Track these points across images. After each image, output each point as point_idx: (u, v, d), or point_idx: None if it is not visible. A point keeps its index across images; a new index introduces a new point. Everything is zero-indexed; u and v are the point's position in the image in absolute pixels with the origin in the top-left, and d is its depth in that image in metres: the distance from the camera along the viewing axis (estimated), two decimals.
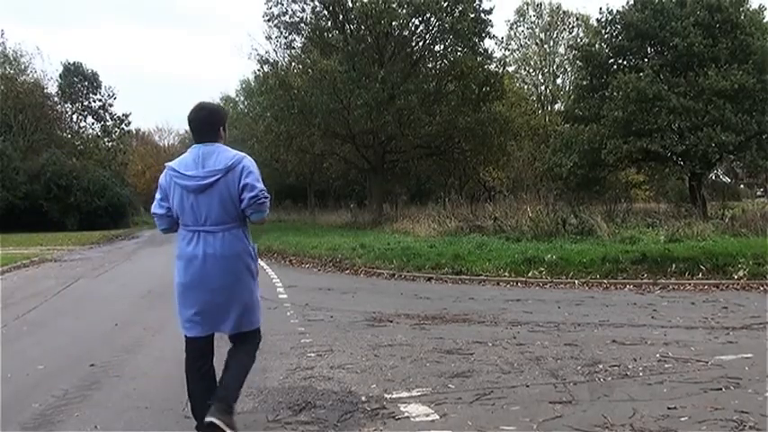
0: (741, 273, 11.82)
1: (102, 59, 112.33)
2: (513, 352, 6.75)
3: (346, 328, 8.30)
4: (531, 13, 46.67)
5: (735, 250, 12.84)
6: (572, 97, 33.78)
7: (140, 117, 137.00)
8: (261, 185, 4.18)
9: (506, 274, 13.12)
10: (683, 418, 4.58)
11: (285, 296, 11.61)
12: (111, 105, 55.70)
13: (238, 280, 4.24)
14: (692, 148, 24.90)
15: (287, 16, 34.19)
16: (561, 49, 45.78)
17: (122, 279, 15.35)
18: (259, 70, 36.00)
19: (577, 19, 45.32)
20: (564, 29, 46.23)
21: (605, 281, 12.06)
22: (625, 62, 28.63)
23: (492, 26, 33.85)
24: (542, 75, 47.07)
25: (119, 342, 7.72)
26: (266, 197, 4.20)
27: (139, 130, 75.52)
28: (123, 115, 56.52)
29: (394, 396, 5.26)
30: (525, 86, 47.13)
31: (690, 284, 11.61)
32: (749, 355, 6.40)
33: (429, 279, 13.68)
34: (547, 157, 30.11)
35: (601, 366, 6.07)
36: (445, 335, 6.79)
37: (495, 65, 36.36)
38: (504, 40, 45.62)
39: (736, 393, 5.18)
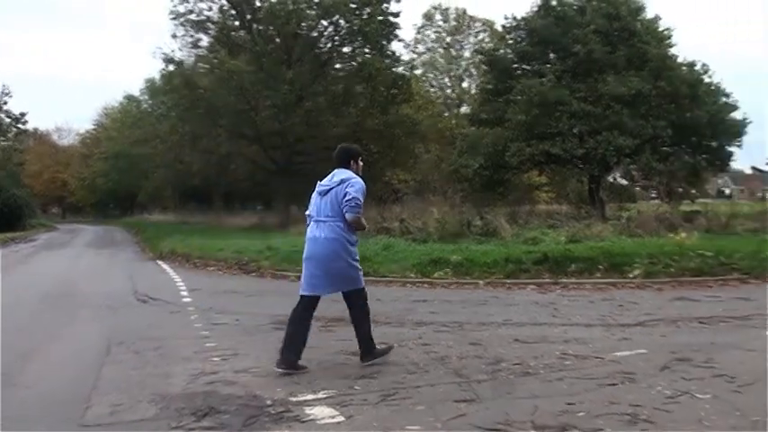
0: (636, 272, 12.27)
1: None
2: (419, 352, 6.82)
3: (252, 332, 8.21)
4: (439, 17, 47.36)
5: (631, 250, 13.34)
6: (477, 101, 34.39)
7: (38, 117, 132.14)
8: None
9: (413, 275, 13.20)
10: (580, 413, 4.72)
11: (189, 299, 11.37)
12: (5, 104, 53.61)
13: None
14: (591, 152, 25.74)
15: (193, 15, 33.53)
16: (467, 54, 46.58)
17: (19, 284, 14.72)
18: (164, 69, 35.21)
19: (483, 24, 46.18)
20: (470, 33, 47.08)
21: (508, 281, 12.30)
22: (529, 67, 29.40)
23: (400, 29, 34.09)
24: (449, 78, 47.76)
25: (16, 349, 7.39)
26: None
27: (37, 129, 72.94)
28: (20, 114, 54.51)
29: (299, 399, 5.23)
30: (432, 89, 47.70)
31: (589, 284, 11.95)
32: (643, 351, 6.66)
33: None
34: (453, 158, 30.57)
35: (504, 365, 6.19)
36: (351, 337, 6.77)
37: (403, 68, 36.67)
38: (412, 43, 46.16)
39: (631, 388, 5.37)
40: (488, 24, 45.26)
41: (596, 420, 4.58)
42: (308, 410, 4.94)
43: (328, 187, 6.22)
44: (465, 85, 47.50)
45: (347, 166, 6.40)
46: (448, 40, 47.27)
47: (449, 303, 10.35)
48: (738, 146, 28.71)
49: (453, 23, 47.14)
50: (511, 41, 30.54)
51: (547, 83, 26.00)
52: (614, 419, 4.60)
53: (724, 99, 27.81)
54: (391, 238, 17.97)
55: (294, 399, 5.22)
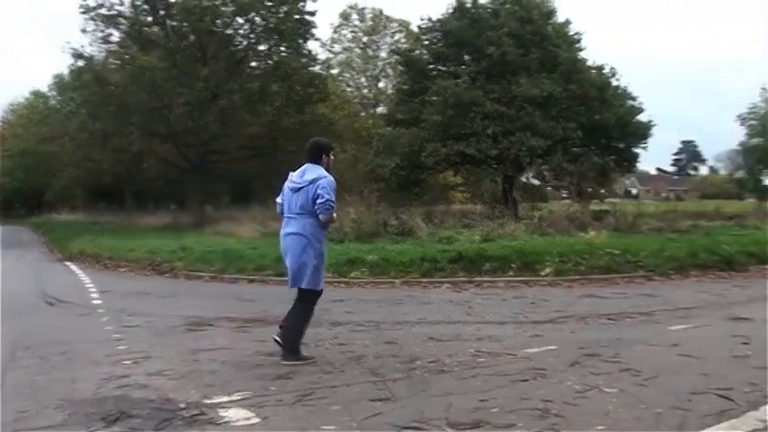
0: (548, 270, 12.59)
1: None
2: (335, 352, 6.82)
3: (164, 334, 8.04)
4: (355, 16, 47.33)
5: (542, 249, 13.67)
6: (394, 101, 34.53)
7: None
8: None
9: (329, 274, 13.15)
10: (493, 410, 4.81)
11: (99, 302, 11.07)
12: None
13: None
14: (504, 152, 26.19)
15: (104, 9, 32.49)
16: (384, 54, 46.69)
17: None
18: (73, 65, 34.06)
19: (399, 25, 46.40)
20: (386, 34, 47.22)
21: (424, 280, 12.44)
22: (444, 68, 29.71)
23: (316, 28, 33.97)
24: (365, 78, 47.83)
25: None
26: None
27: None
28: None
29: (214, 401, 5.15)
30: (349, 89, 47.67)
31: (502, 282, 12.20)
32: (553, 347, 6.84)
33: (252, 281, 13.53)
34: (369, 158, 30.59)
35: (419, 363, 6.25)
36: (267, 337, 6.73)
37: (319, 67, 36.57)
38: (329, 42, 46.05)
39: (542, 383, 5.51)
40: (404, 25, 45.50)
41: (509, 416, 4.67)
42: (222, 413, 4.87)
43: (300, 185, 6.49)
44: (381, 85, 47.68)
45: (318, 161, 6.64)
46: (364, 39, 47.32)
47: (365, 303, 10.38)
48: (644, 147, 29.88)
49: (370, 23, 47.21)
50: (426, 42, 30.79)
51: (462, 84, 26.33)
52: (526, 414, 4.70)
53: (630, 102, 28.76)
54: None
55: (208, 401, 5.14)
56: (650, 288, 11.78)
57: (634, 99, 28.89)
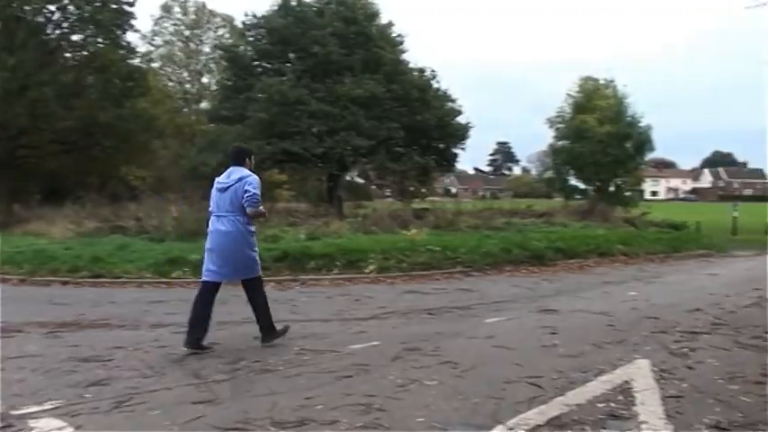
0: (371, 267, 12.84)
1: None
2: (155, 355, 6.61)
3: None
4: (177, 9, 46.07)
5: (366, 247, 13.91)
6: (218, 97, 33.92)
7: None
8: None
9: (149, 275, 12.76)
10: (318, 407, 4.84)
11: None
12: None
13: None
14: (329, 151, 26.43)
15: None
16: (207, 49, 45.83)
17: None
18: None
19: (223, 20, 45.66)
20: (209, 28, 46.32)
21: None
22: (269, 65, 29.53)
23: (135, 19, 32.59)
24: (188, 73, 46.68)
25: None
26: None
27: None
28: None
29: (23, 412, 4.82)
30: (171, 84, 46.32)
31: (327, 280, 12.32)
32: (377, 343, 6.98)
33: (65, 283, 12.78)
34: (192, 155, 29.90)
35: (243, 363, 6.18)
36: (82, 342, 6.42)
37: (139, 60, 35.24)
38: (149, 35, 44.52)
39: (365, 378, 5.61)
40: (228, 20, 44.86)
41: (332, 412, 4.72)
42: (32, 423, 4.58)
43: (227, 185, 6.97)
44: (205, 80, 46.75)
45: (242, 164, 7.18)
46: (187, 33, 46.18)
47: (187, 304, 10.04)
48: (462, 148, 31.25)
49: (192, 17, 46.14)
50: (251, 39, 30.47)
51: (287, 82, 26.32)
52: (349, 410, 4.77)
53: (450, 104, 29.89)
54: (127, 237, 17.19)
55: (16, 412, 4.81)
56: (468, 283, 12.31)
57: (453, 101, 30.13)
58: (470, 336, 7.43)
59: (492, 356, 6.47)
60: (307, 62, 27.72)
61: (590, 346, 6.90)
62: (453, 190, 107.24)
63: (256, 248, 7.25)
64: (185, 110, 45.24)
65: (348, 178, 35.01)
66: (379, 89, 26.64)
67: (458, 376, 5.69)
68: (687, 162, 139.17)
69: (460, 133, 30.02)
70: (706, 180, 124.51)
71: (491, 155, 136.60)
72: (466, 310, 9.42)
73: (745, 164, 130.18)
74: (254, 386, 5.44)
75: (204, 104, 44.08)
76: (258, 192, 6.96)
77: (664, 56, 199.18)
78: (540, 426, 4.48)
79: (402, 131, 27.40)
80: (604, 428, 4.46)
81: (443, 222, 20.25)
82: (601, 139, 30.92)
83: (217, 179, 7.19)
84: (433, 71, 29.76)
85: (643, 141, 32.22)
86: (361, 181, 37.34)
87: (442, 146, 30.25)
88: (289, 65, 28.58)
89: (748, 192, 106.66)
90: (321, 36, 26.96)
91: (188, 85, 46.75)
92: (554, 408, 4.82)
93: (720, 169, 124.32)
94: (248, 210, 6.92)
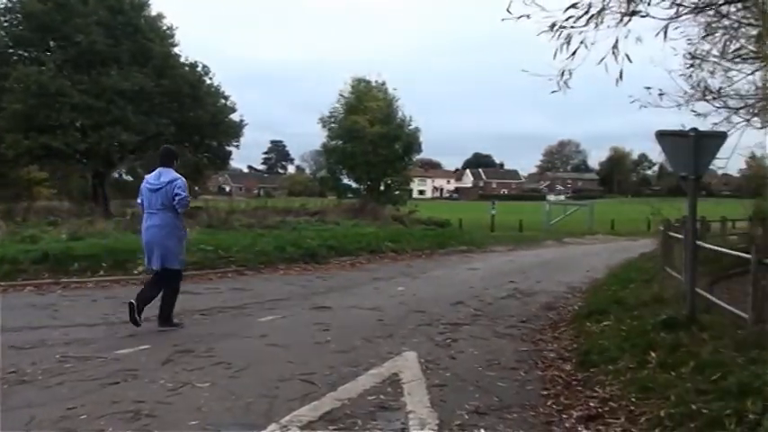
0: (140, 268, 12.33)
1: None
2: None
3: None
4: None
5: (135, 247, 13.27)
6: None
7: None
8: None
9: None
10: (82, 416, 4.61)
11: None
12: None
13: None
14: (94, 147, 25.16)
15: None
16: None
17: None
18: None
19: None
20: None
21: (3, 283, 11.35)
22: (26, 54, 27.38)
23: None
24: None
25: None
26: None
27: None
28: None
29: None
30: None
31: (92, 282, 11.72)
32: (146, 347, 6.77)
33: None
34: None
35: None
36: None
37: None
38: None
39: (134, 384, 5.43)
40: None
41: (98, 422, 4.52)
42: None
43: (158, 186, 7.90)
44: None
45: (170, 166, 8.09)
46: None
47: None
48: (236, 146, 30.96)
49: None
50: (6, 24, 28.05)
51: (46, 72, 24.60)
52: (117, 418, 4.59)
53: (223, 101, 29.48)
54: None
55: None
56: (242, 282, 12.25)
57: (227, 98, 29.70)
58: (244, 335, 7.42)
59: (265, 355, 6.50)
60: (69, 51, 26.05)
61: (361, 340, 7.15)
62: (227, 188, 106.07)
63: (184, 243, 8.35)
64: None
65: (116, 175, 33.50)
66: (148, 83, 25.70)
67: (231, 377, 5.66)
68: (451, 163, 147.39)
69: (234, 131, 29.76)
70: (468, 180, 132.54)
71: (265, 153, 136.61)
72: (240, 309, 9.38)
73: (501, 164, 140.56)
74: (10, 399, 5.05)
75: None
76: (187, 194, 7.94)
77: (433, 58, 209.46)
78: (312, 422, 4.57)
79: (173, 128, 26.64)
80: (374, 420, 4.63)
81: (217, 221, 20.01)
82: (372, 140, 32.00)
83: (147, 179, 8.11)
84: (205, 67, 29.15)
85: (411, 142, 33.81)
86: (129, 178, 35.81)
87: (215, 143, 29.82)
88: (49, 54, 26.71)
89: (505, 191, 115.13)
90: (85, 24, 25.43)
91: None
92: (326, 403, 4.95)
93: (480, 170, 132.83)
94: (180, 210, 7.95)
